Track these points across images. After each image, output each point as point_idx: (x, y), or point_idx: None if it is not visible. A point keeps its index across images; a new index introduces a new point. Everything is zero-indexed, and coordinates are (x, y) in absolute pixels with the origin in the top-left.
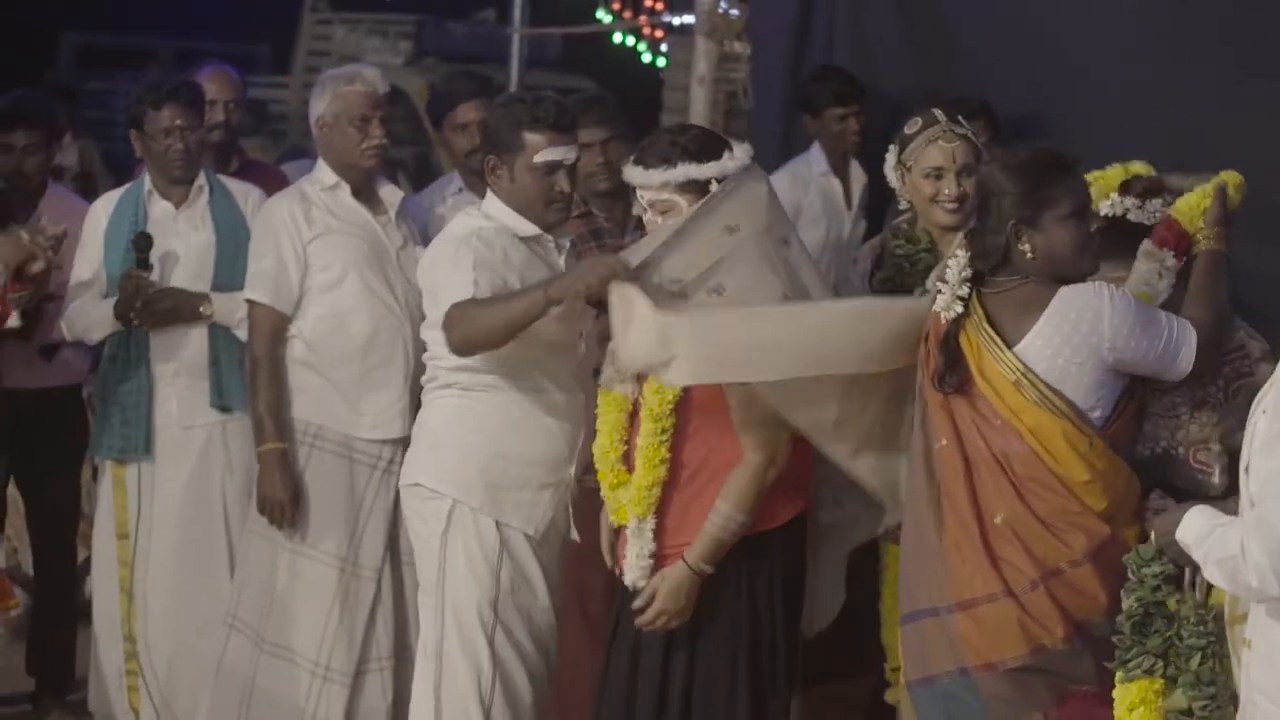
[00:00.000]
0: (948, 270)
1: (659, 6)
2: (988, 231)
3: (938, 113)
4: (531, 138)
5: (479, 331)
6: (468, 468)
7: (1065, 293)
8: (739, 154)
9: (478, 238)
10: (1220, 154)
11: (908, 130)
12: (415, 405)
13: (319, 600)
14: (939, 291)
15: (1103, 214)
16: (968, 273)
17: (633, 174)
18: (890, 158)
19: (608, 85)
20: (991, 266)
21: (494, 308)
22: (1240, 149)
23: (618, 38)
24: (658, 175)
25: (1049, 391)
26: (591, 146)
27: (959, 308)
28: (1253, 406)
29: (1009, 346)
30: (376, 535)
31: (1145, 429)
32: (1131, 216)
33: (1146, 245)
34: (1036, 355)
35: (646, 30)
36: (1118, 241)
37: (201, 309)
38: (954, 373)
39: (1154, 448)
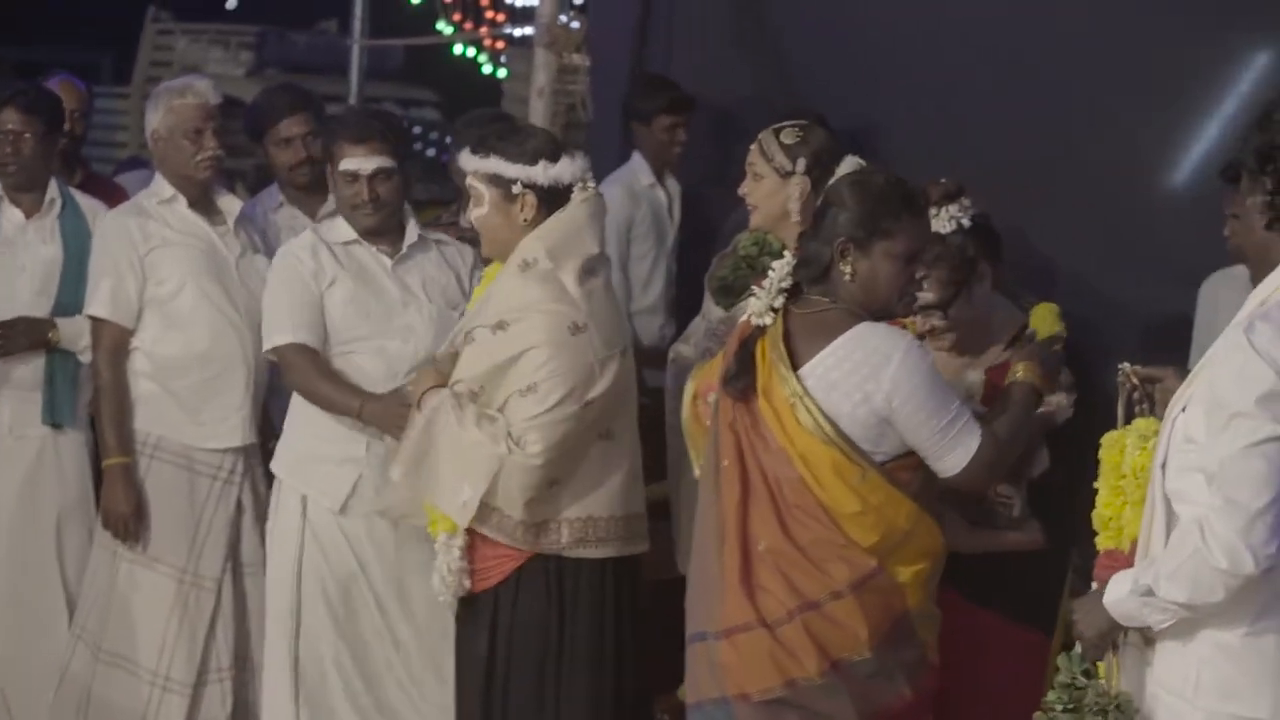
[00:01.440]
0: (769, 276)
1: (499, 18)
2: (817, 241)
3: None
4: (336, 149)
5: (305, 391)
6: (285, 444)
7: (863, 328)
8: (563, 169)
9: (283, 256)
10: (1057, 170)
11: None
12: (256, 414)
13: (158, 610)
14: (753, 296)
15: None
16: (787, 283)
17: (458, 156)
18: None
19: (448, 96)
20: (811, 279)
21: (324, 386)
22: (1078, 166)
23: (458, 49)
24: (470, 161)
25: (822, 418)
26: None
27: (768, 319)
28: (1170, 405)
29: (795, 368)
30: (217, 545)
31: None
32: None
33: None
34: (817, 382)
35: (487, 42)
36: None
37: (50, 336)
38: (741, 378)
39: None
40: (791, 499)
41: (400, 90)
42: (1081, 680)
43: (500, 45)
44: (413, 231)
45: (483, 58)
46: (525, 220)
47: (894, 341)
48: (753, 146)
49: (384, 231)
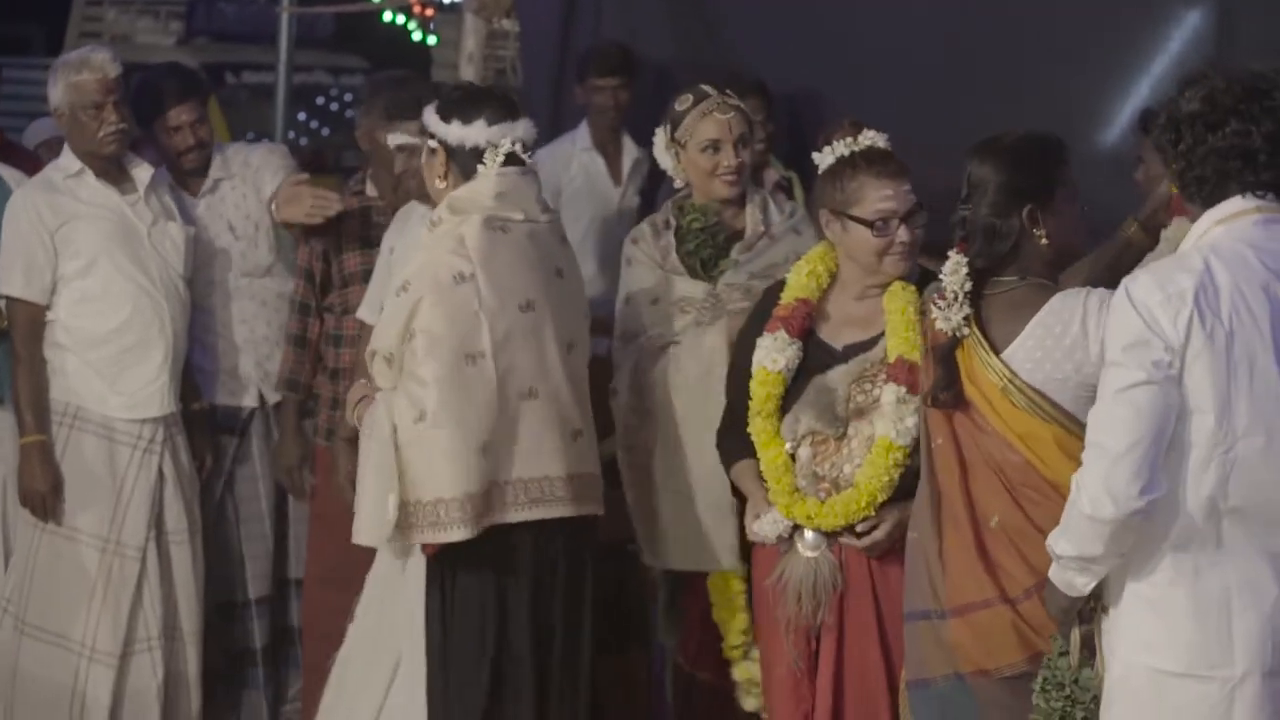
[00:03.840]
0: (944, 282)
1: None
2: (993, 218)
3: (707, 87)
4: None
5: None
6: None
7: (1056, 300)
8: (471, 132)
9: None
10: (991, 130)
11: (679, 107)
12: (175, 383)
13: (81, 581)
14: (936, 305)
15: (834, 158)
16: (968, 286)
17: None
18: (660, 137)
19: (378, 63)
20: (1000, 257)
21: None
22: (1011, 126)
23: (388, 16)
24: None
25: (1037, 397)
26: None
27: (965, 329)
28: None
29: (997, 352)
30: (139, 514)
31: None
32: (882, 144)
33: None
34: (1022, 361)
35: (417, 8)
36: (894, 161)
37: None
38: (949, 388)
39: None
40: (1017, 479)
41: (330, 58)
42: (1056, 661)
43: (430, 12)
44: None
45: (412, 24)
46: (439, 177)
47: (1089, 305)
48: (728, 116)
49: None
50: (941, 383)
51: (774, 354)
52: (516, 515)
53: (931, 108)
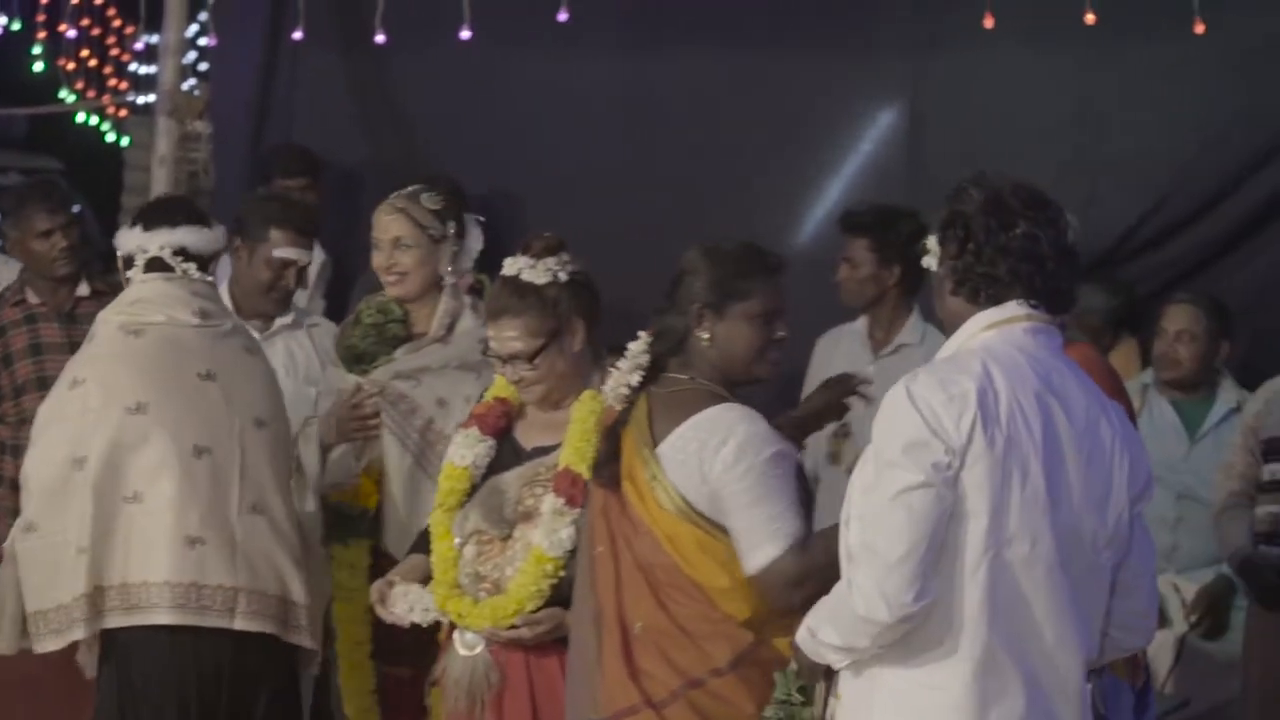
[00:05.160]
0: (625, 356)
1: (122, 86)
2: (671, 312)
3: (415, 189)
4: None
5: None
6: None
7: (715, 409)
8: (121, 239)
9: None
10: (686, 229)
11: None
12: None
13: None
14: (611, 375)
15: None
16: (643, 360)
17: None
18: None
19: (72, 165)
20: (668, 351)
21: None
22: (705, 226)
23: (81, 117)
24: None
25: (679, 498)
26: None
27: (621, 404)
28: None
29: (655, 447)
30: None
31: None
32: (525, 276)
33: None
34: (670, 458)
35: (110, 109)
36: (510, 299)
37: None
38: (609, 465)
39: None
40: (664, 579)
41: (24, 159)
42: (797, 698)
43: (123, 113)
44: None
45: (106, 125)
46: (125, 281)
47: (737, 424)
48: (390, 218)
49: None
50: (601, 457)
51: (463, 450)
52: (115, 621)
53: (619, 211)
